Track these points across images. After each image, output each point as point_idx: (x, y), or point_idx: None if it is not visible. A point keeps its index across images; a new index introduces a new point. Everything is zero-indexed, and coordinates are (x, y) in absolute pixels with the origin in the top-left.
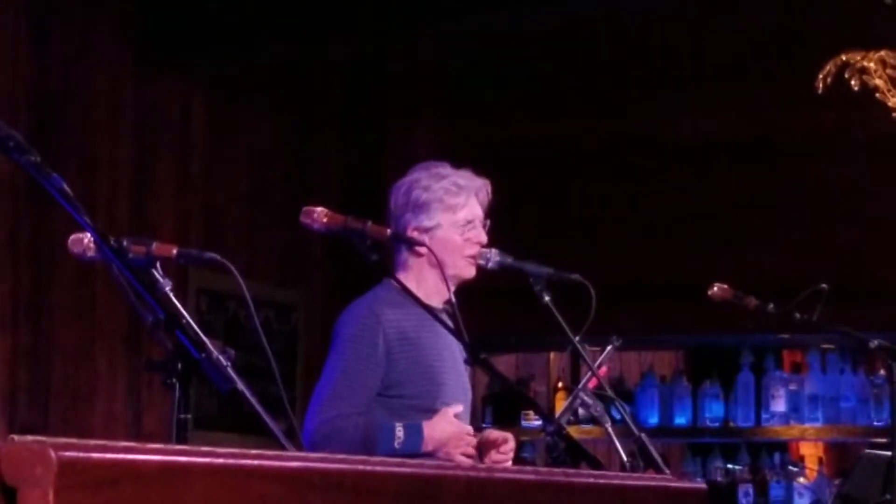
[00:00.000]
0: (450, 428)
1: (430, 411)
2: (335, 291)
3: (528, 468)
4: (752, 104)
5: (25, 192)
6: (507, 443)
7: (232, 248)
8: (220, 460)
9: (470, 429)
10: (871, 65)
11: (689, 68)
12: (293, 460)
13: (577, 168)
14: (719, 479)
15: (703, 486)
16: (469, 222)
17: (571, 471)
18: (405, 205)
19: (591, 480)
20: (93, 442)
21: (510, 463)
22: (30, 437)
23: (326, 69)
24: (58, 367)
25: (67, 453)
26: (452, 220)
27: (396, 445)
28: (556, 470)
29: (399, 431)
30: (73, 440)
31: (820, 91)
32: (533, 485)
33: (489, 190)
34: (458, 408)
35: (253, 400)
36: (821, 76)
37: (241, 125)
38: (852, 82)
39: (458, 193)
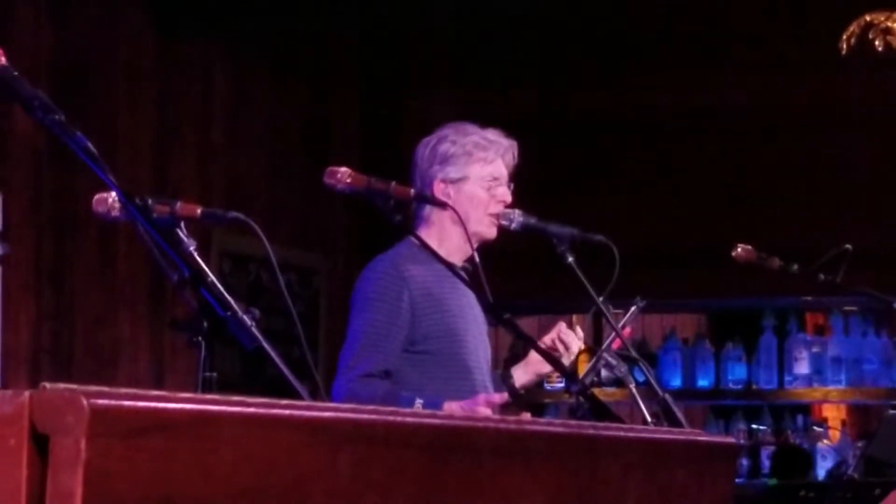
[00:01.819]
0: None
1: (452, 369)
2: (357, 255)
3: (558, 421)
4: (776, 69)
5: (48, 154)
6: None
7: (254, 213)
8: (252, 409)
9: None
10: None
11: (712, 35)
12: (324, 410)
13: (600, 135)
14: (742, 441)
15: (733, 441)
16: (495, 179)
17: (601, 424)
18: (432, 157)
19: (622, 434)
20: (124, 390)
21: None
22: (61, 385)
23: (345, 36)
24: (81, 330)
25: (100, 401)
26: (479, 174)
27: None
28: (586, 423)
29: (419, 407)
30: (105, 388)
31: (843, 53)
32: (563, 437)
33: (515, 153)
34: (495, 397)
35: (277, 359)
36: (844, 37)
37: (262, 93)
38: (876, 43)
39: (487, 148)
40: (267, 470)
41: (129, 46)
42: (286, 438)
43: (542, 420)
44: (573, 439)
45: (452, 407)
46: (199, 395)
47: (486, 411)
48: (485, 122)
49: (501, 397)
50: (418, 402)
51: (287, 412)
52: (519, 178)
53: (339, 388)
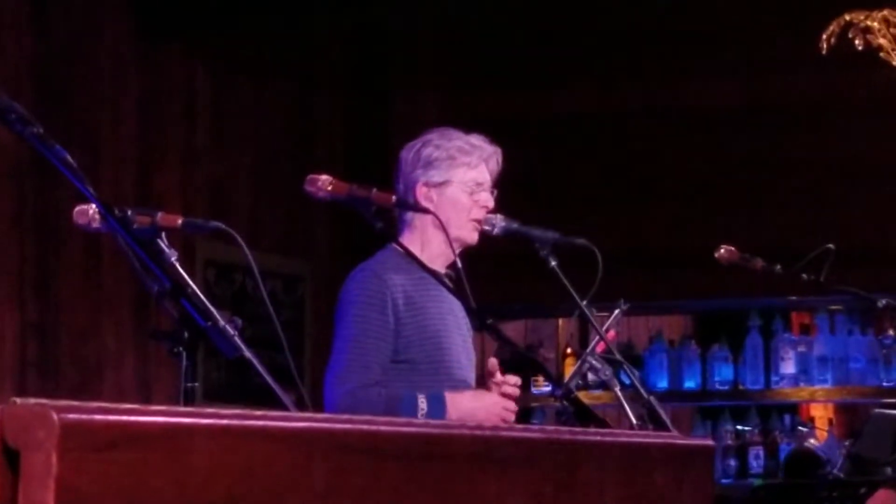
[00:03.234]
0: (473, 402)
1: (435, 377)
2: (341, 261)
3: (535, 426)
4: (756, 68)
5: (30, 166)
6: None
7: (237, 219)
8: (225, 421)
9: (496, 398)
10: (875, 24)
11: (695, 35)
12: (298, 421)
13: (582, 136)
14: (730, 442)
15: (710, 442)
16: (478, 184)
17: (578, 429)
18: (416, 161)
19: (598, 438)
20: (95, 404)
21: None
22: (32, 400)
23: (330, 40)
24: (66, 342)
25: (70, 416)
26: (462, 179)
27: (420, 416)
28: (564, 428)
29: (422, 402)
30: (75, 402)
31: (823, 52)
32: (540, 443)
33: (500, 159)
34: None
35: (261, 367)
36: (824, 37)
37: (245, 97)
38: (856, 42)
39: (470, 153)
40: (241, 481)
41: (111, 54)
42: (260, 449)
43: (518, 426)
44: (550, 445)
45: (458, 398)
46: (172, 408)
47: (494, 397)
48: (470, 124)
49: (514, 379)
50: (421, 398)
51: (261, 423)
52: (503, 179)
53: (335, 402)
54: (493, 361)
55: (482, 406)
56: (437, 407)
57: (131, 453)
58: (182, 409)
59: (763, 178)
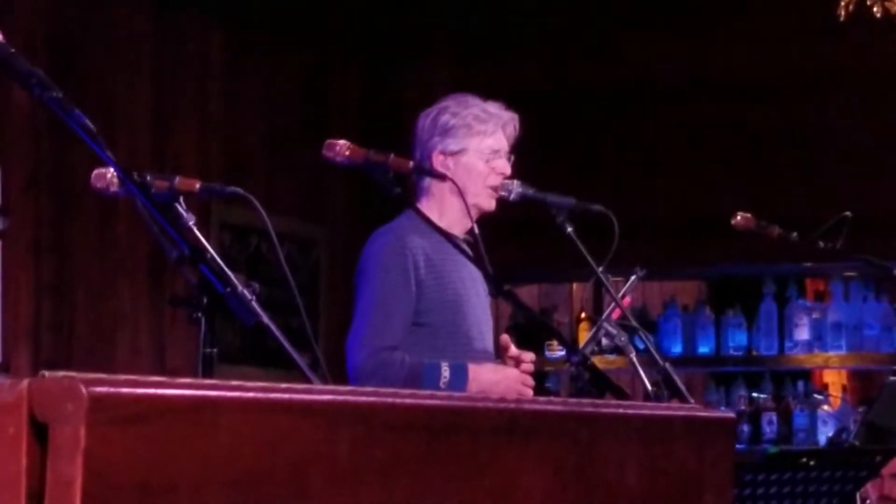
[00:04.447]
0: (494, 375)
1: (454, 341)
2: (357, 225)
3: (557, 399)
4: (775, 36)
5: (47, 130)
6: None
7: (253, 184)
8: (250, 394)
9: (516, 372)
10: None
11: (711, 3)
12: (322, 394)
13: (599, 103)
14: (743, 407)
15: (732, 415)
16: (495, 152)
17: (599, 401)
18: (432, 129)
19: (620, 411)
20: (123, 377)
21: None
22: (60, 373)
23: (344, 8)
24: (81, 303)
25: (98, 389)
26: (478, 147)
27: (442, 385)
28: (585, 401)
29: (445, 371)
30: (104, 375)
31: (842, 19)
32: (562, 416)
33: (517, 125)
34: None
35: (278, 333)
36: (842, 4)
37: (260, 62)
38: (874, 9)
39: (487, 121)
40: (266, 454)
41: (126, 21)
42: (285, 422)
43: (541, 399)
44: (572, 417)
45: (480, 370)
46: (198, 381)
47: (513, 371)
48: (485, 92)
49: (528, 355)
50: (444, 367)
51: (286, 396)
52: (519, 147)
53: (358, 365)
54: (505, 337)
55: (503, 379)
56: (460, 376)
57: (159, 426)
58: (208, 382)
59: (779, 145)
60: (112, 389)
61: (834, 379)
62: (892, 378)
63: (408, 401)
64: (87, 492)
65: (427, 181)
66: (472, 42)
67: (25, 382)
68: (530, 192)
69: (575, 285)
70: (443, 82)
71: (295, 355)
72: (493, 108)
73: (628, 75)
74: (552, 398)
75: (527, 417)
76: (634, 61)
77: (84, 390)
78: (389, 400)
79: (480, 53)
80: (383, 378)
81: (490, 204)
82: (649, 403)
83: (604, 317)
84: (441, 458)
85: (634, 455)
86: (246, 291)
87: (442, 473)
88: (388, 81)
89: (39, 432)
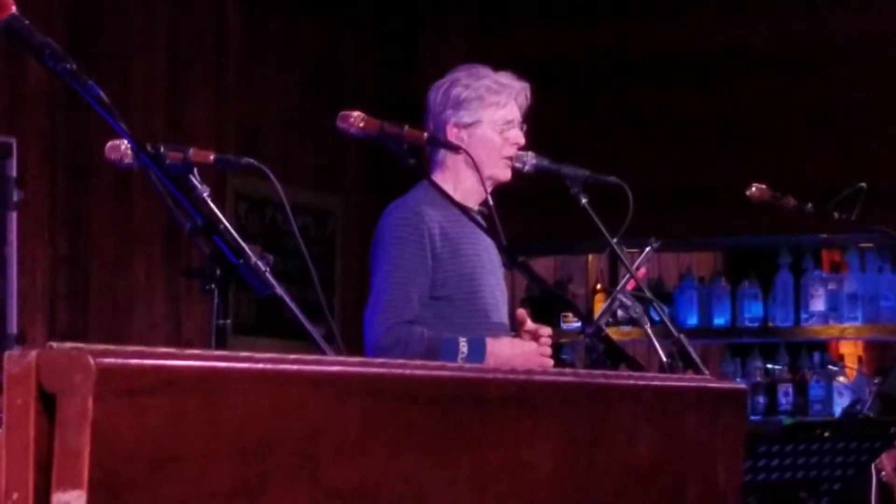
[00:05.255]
0: (511, 349)
1: (471, 313)
2: (372, 196)
3: (569, 370)
4: (788, 7)
5: (62, 102)
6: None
7: (268, 155)
8: (259, 365)
9: (534, 346)
10: None
11: None
12: (332, 365)
13: (613, 75)
14: (759, 379)
15: (743, 386)
16: (508, 122)
17: (611, 373)
18: (445, 102)
19: (632, 382)
20: (131, 348)
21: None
22: (68, 344)
23: None
24: (97, 276)
25: (106, 360)
26: (492, 118)
27: (460, 359)
28: (597, 372)
29: (463, 346)
30: (112, 346)
31: None
32: (573, 387)
33: (528, 94)
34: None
35: (292, 304)
36: None
37: (276, 32)
38: None
39: (499, 92)
40: (275, 425)
41: None
42: (294, 393)
43: (551, 370)
44: (583, 389)
45: (497, 345)
46: (207, 352)
47: (532, 345)
48: (499, 63)
49: (546, 330)
50: (462, 342)
51: (295, 367)
52: (532, 119)
53: (376, 339)
54: (522, 311)
55: (520, 353)
56: (478, 351)
57: (167, 398)
58: (217, 353)
59: (794, 115)
60: (120, 361)
61: (850, 350)
62: None
63: (417, 372)
64: (94, 462)
65: (441, 153)
66: (487, 12)
67: (34, 354)
68: (545, 163)
69: (591, 257)
70: (458, 52)
71: (309, 326)
72: (505, 78)
73: (642, 46)
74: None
75: (537, 389)
76: (649, 31)
77: (92, 361)
78: (399, 371)
79: (495, 23)
80: (402, 352)
81: (506, 174)
82: (661, 374)
83: (618, 288)
84: (451, 429)
85: (646, 426)
86: (260, 263)
87: (452, 444)
88: (404, 51)
89: (48, 403)
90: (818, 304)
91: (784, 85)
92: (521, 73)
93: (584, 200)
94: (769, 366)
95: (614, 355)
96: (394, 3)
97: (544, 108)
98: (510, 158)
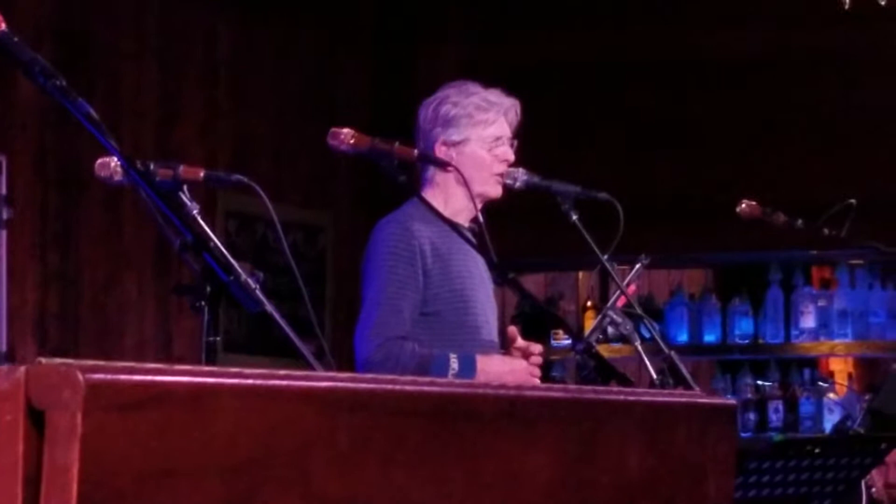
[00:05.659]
0: (502, 366)
1: (461, 330)
2: (363, 213)
3: (558, 386)
4: (781, 19)
5: (51, 118)
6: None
7: (259, 170)
8: (249, 381)
9: (525, 363)
10: None
11: None
12: (322, 380)
13: (604, 88)
14: (749, 395)
15: (733, 402)
16: (497, 139)
17: (601, 388)
18: (434, 119)
19: (622, 398)
20: (120, 364)
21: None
22: (57, 360)
23: None
24: (87, 292)
25: (95, 375)
26: (481, 136)
27: (451, 376)
28: (586, 387)
29: (454, 362)
30: (101, 362)
31: (847, 6)
32: (563, 402)
33: (518, 111)
34: (535, 347)
35: (282, 321)
36: None
37: (267, 48)
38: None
39: (488, 110)
40: (266, 441)
41: (132, 7)
42: (285, 409)
43: (541, 385)
44: (573, 404)
45: (488, 361)
46: (197, 368)
47: (522, 362)
48: (494, 76)
49: (536, 347)
50: (453, 358)
51: (285, 383)
52: (524, 129)
53: (367, 356)
54: (512, 329)
55: (511, 370)
56: (469, 368)
57: (156, 413)
58: (207, 368)
59: (785, 130)
60: (109, 376)
61: (840, 367)
62: None
63: (407, 387)
64: (83, 478)
65: (431, 170)
66: (483, 25)
67: (23, 370)
68: (535, 179)
69: (581, 273)
70: (452, 65)
71: (298, 343)
72: (494, 96)
73: (632, 59)
74: (553, 385)
75: (528, 404)
76: (644, 43)
77: (81, 377)
78: (389, 386)
79: (491, 37)
80: (393, 368)
81: (497, 191)
82: (651, 390)
83: (609, 305)
84: (443, 444)
85: (636, 441)
86: (250, 280)
87: (442, 459)
88: (397, 65)
89: (36, 419)
90: (808, 321)
91: (775, 99)
92: (516, 84)
93: (574, 217)
94: (759, 382)
95: (605, 372)
96: (389, 15)
97: (536, 118)
98: (501, 175)
